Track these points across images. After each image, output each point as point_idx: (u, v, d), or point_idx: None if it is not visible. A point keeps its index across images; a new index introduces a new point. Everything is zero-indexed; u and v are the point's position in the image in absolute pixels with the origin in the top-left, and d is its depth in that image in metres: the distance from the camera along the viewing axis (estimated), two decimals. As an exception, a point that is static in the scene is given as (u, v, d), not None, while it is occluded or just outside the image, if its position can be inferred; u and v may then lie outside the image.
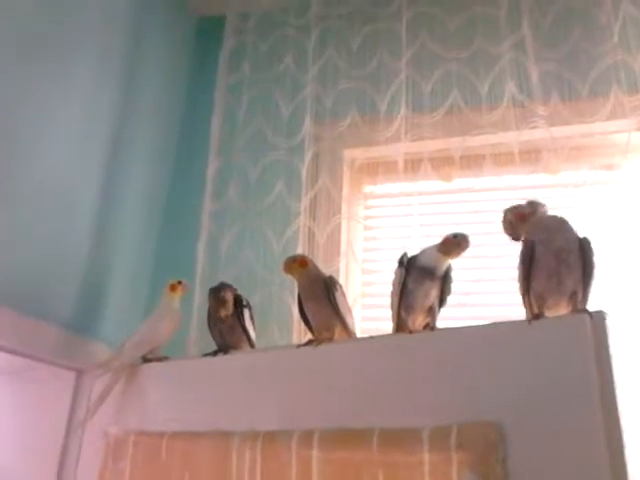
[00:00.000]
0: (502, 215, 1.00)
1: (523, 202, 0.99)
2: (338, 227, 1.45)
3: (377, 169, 1.54)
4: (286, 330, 1.31)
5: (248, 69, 1.64)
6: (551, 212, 0.96)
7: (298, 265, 1.11)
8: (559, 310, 0.88)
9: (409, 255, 1.05)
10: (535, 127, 1.31)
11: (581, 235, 0.90)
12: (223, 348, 1.17)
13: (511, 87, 1.33)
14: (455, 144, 1.44)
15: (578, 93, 1.36)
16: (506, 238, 1.03)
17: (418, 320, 1.03)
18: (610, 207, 1.36)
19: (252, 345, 1.21)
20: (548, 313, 0.88)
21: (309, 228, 1.45)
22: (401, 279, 1.03)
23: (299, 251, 1.41)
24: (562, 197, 1.37)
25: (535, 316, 0.87)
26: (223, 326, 1.19)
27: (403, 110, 1.45)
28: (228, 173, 1.55)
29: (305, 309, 1.11)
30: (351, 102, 1.52)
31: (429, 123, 1.45)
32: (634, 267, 1.27)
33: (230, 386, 1.07)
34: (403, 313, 1.02)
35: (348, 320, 1.09)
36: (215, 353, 1.17)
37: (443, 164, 1.47)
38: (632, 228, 1.32)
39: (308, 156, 1.51)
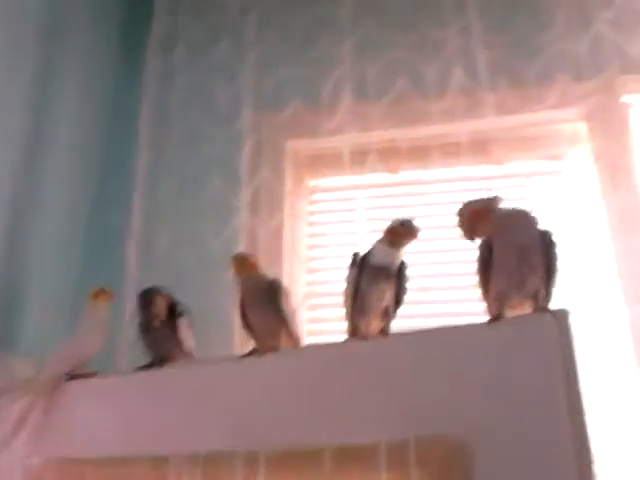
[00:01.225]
0: (458, 213, 0.93)
1: (479, 197, 0.93)
2: (281, 224, 1.36)
3: (321, 161, 1.46)
4: (227, 338, 1.21)
5: (181, 54, 1.51)
6: (507, 204, 0.91)
7: (249, 266, 1.02)
8: (523, 311, 0.83)
9: (361, 254, 0.98)
10: (483, 117, 1.26)
11: (542, 228, 0.84)
12: (158, 361, 1.06)
13: (458, 74, 1.28)
14: (402, 135, 1.38)
15: (524, 81, 1.32)
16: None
17: (373, 324, 0.96)
18: (558, 197, 1.33)
19: (190, 356, 1.10)
20: (510, 314, 0.83)
21: (250, 226, 1.35)
22: (354, 280, 0.96)
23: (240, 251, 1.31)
24: (511, 188, 1.34)
25: (495, 317, 0.82)
26: (157, 336, 1.08)
27: (348, 99, 1.37)
28: (160, 168, 1.42)
29: (248, 315, 1.02)
30: (293, 90, 1.43)
31: (375, 112, 1.38)
32: (582, 258, 1.25)
33: (166, 403, 0.97)
34: (356, 317, 0.94)
35: (294, 326, 1.01)
36: (149, 367, 1.06)
37: (390, 156, 1.40)
38: (579, 218, 1.30)
39: (247, 148, 1.41)
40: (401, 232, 0.93)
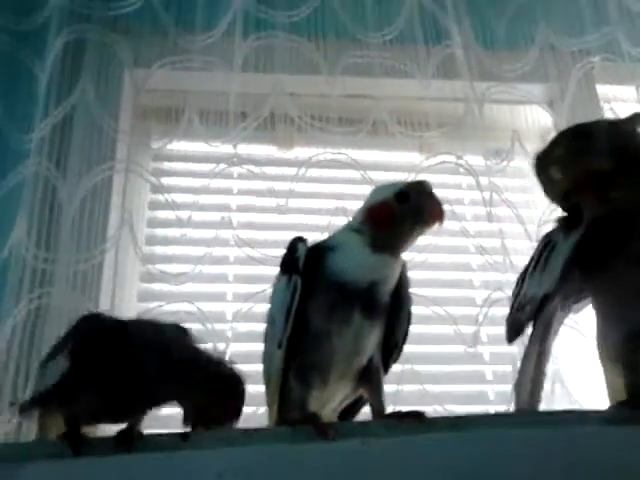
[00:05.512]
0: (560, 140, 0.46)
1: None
2: (107, 183, 0.76)
3: (179, 114, 0.86)
4: None
5: None
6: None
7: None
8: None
9: (304, 248, 0.47)
10: (454, 77, 0.85)
11: None
12: None
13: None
14: (320, 88, 0.88)
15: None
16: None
17: (336, 398, 0.47)
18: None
19: None
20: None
21: (46, 179, 0.73)
22: (289, 305, 0.44)
23: (20, 227, 0.68)
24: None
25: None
26: None
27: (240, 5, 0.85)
28: None
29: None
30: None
31: (280, 44, 0.87)
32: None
33: None
34: (294, 384, 0.44)
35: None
36: None
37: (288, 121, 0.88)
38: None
39: (55, 50, 0.80)
40: (400, 216, 0.45)
